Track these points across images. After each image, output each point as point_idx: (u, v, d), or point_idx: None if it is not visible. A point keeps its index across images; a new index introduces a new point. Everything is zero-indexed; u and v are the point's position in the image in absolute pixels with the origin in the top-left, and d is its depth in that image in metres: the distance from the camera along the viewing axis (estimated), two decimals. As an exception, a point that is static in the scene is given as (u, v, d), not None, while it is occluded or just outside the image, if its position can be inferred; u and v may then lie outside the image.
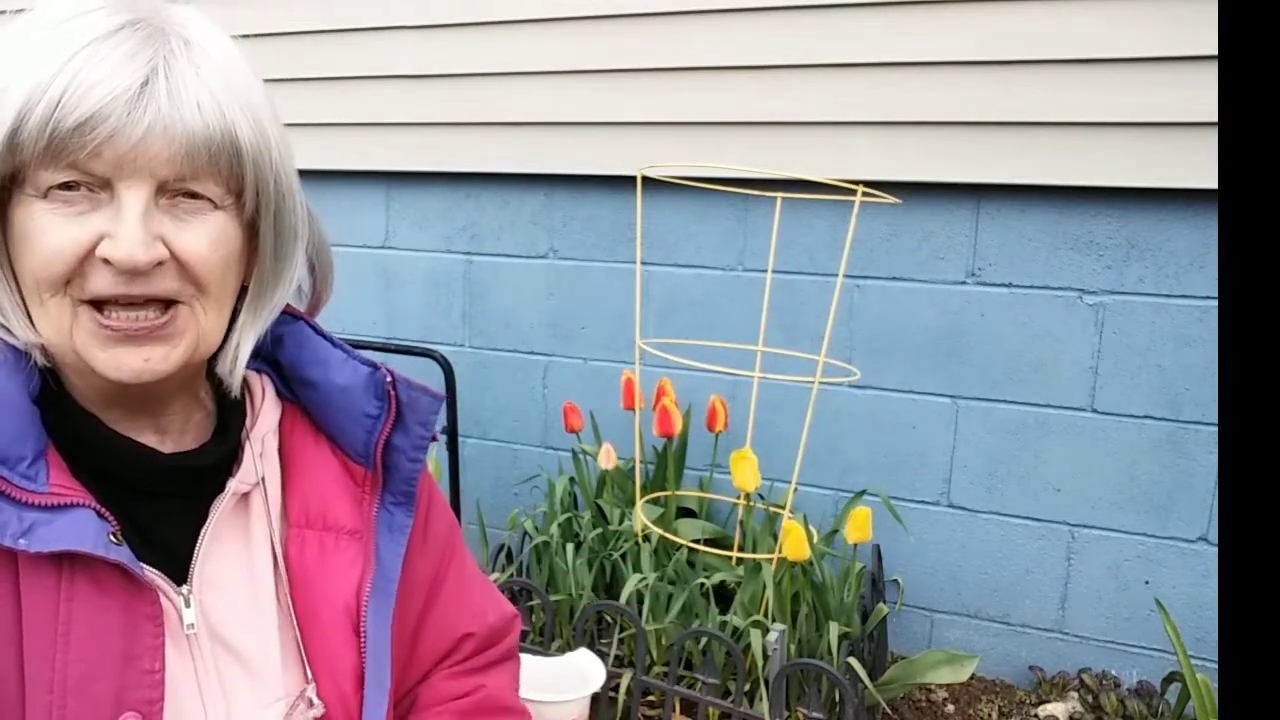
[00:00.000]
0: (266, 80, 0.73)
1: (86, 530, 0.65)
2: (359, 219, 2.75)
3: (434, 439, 0.88)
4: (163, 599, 0.69)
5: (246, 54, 0.71)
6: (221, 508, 0.75)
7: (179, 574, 0.72)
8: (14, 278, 0.67)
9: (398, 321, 2.76)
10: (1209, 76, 1.87)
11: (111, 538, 0.66)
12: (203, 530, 0.74)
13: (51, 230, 0.64)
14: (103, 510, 0.67)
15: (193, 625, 0.72)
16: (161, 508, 0.73)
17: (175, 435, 0.76)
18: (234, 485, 0.76)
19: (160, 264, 0.66)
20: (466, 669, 0.92)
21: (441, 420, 2.30)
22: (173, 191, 0.66)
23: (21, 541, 0.62)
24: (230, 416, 0.79)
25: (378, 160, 2.65)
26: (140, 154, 0.63)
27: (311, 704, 0.76)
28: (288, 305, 0.81)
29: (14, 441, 0.65)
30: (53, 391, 0.71)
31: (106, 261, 0.64)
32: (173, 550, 0.73)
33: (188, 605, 0.72)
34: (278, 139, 0.71)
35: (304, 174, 0.77)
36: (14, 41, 0.64)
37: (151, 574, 0.69)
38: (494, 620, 0.95)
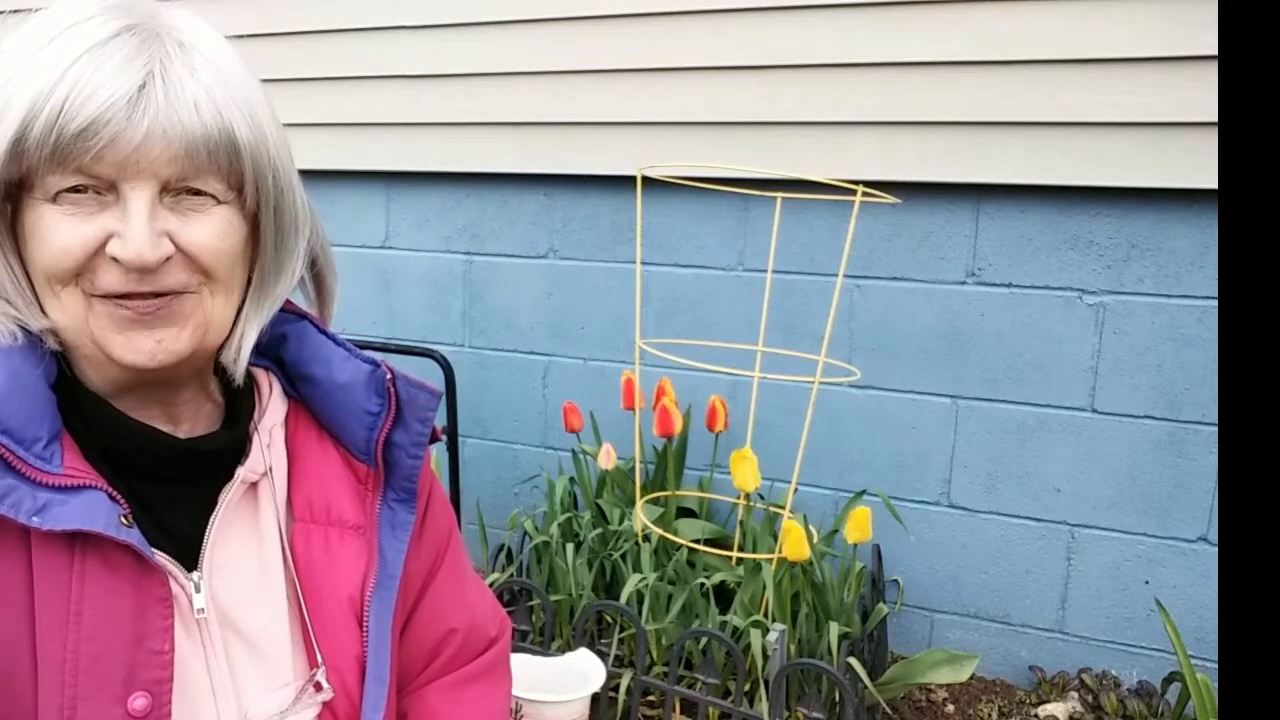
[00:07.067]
0: (267, 80, 0.74)
1: (98, 511, 0.66)
2: (359, 219, 2.75)
3: (437, 438, 0.89)
4: (172, 583, 0.71)
5: (242, 53, 0.72)
6: (230, 496, 0.77)
7: (190, 560, 0.74)
8: (24, 274, 0.70)
9: (398, 321, 2.76)
10: (1209, 76, 1.86)
11: (123, 520, 0.68)
12: (212, 517, 0.76)
13: (60, 229, 0.66)
14: (114, 493, 0.69)
15: (203, 610, 0.73)
16: (172, 493, 0.75)
17: (187, 424, 0.78)
18: (242, 473, 0.78)
19: (168, 259, 0.68)
20: (457, 680, 0.93)
21: (442, 420, 2.30)
22: (176, 190, 0.68)
23: (35, 519, 0.64)
24: (239, 409, 0.81)
25: (378, 160, 2.65)
26: (142, 156, 0.65)
27: (320, 688, 0.77)
28: (294, 304, 0.83)
29: (30, 423, 0.67)
30: (67, 378, 0.73)
31: (115, 260, 0.66)
32: (183, 536, 0.74)
33: (198, 590, 0.73)
34: (275, 135, 0.73)
35: (304, 174, 0.78)
36: (15, 53, 0.66)
37: (161, 558, 0.71)
38: (482, 621, 0.96)
